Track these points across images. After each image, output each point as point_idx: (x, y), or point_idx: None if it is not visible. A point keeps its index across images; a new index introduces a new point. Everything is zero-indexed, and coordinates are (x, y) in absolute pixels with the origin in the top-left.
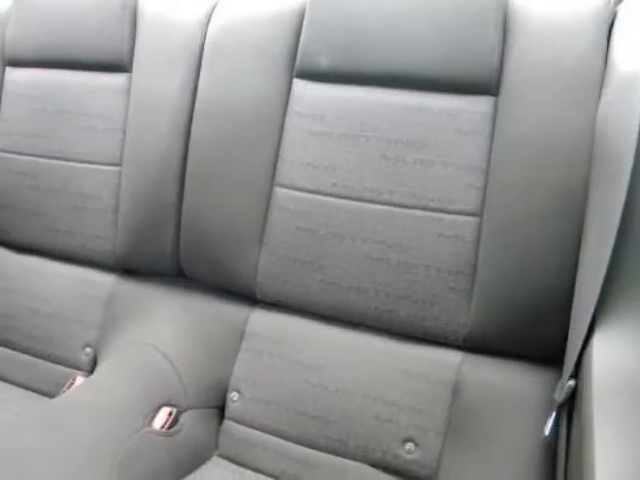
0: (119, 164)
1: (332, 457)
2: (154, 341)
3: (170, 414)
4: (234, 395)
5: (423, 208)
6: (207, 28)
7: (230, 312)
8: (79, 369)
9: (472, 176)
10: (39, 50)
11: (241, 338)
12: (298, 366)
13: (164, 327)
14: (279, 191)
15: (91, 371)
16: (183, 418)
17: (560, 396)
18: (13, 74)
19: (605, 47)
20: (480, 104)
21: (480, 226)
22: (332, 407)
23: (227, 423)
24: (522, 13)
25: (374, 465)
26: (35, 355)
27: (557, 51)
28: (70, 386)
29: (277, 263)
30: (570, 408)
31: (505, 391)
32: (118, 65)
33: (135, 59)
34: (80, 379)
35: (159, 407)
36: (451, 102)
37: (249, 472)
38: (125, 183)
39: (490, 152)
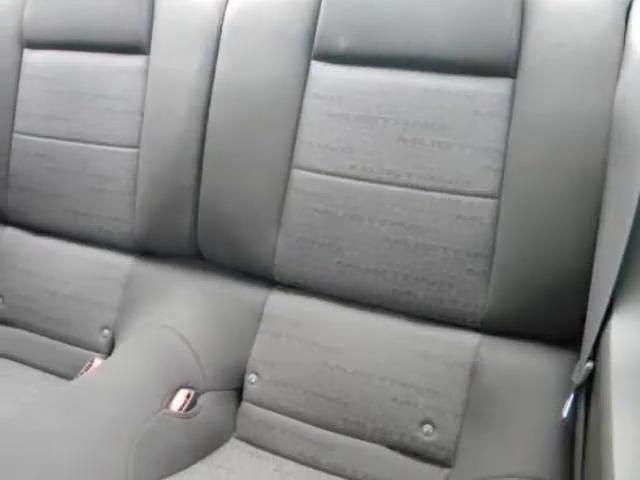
0: (137, 146)
1: (350, 439)
2: (172, 323)
3: (188, 396)
4: (252, 377)
5: (441, 190)
6: (225, 10)
7: (248, 294)
8: (97, 351)
9: (490, 158)
10: (57, 32)
11: (259, 320)
12: (316, 348)
13: (182, 309)
14: (297, 173)
15: (109, 353)
16: (201, 400)
17: (578, 378)
18: (31, 56)
19: (623, 29)
20: (498, 86)
21: (498, 208)
22: (350, 389)
23: (245, 405)
24: None
25: (392, 447)
26: (53, 337)
27: (575, 33)
28: (88, 368)
29: (295, 245)
30: (588, 390)
31: (523, 373)
32: (136, 47)
33: (153, 41)
34: (98, 361)
35: (177, 389)
36: (469, 84)
37: (267, 454)
38: (143, 165)
39: (508, 134)
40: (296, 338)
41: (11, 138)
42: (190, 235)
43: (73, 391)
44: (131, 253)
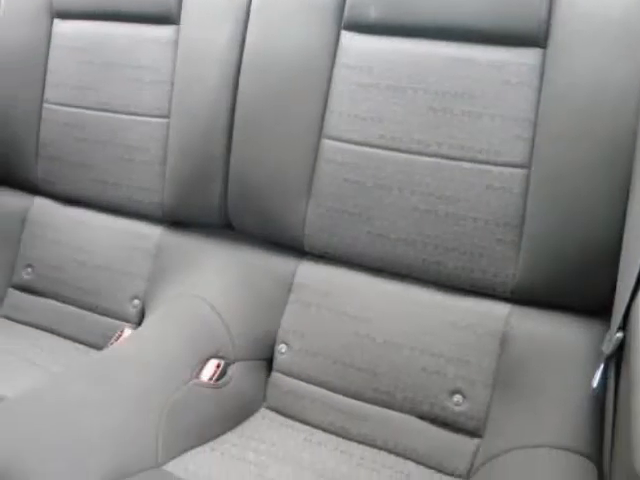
0: (167, 116)
1: (379, 409)
2: (202, 293)
3: (218, 366)
4: (282, 347)
5: (471, 160)
6: None
7: (278, 264)
8: (127, 321)
9: (520, 128)
10: (87, 2)
11: (289, 290)
12: (346, 318)
13: (212, 279)
14: (327, 143)
15: (139, 323)
16: (231, 370)
17: (608, 348)
18: (61, 26)
19: None
20: (528, 56)
21: (528, 178)
22: (379, 359)
23: (275, 375)
24: None
25: (422, 417)
26: (83, 307)
27: (605, 3)
28: (118, 338)
29: (325, 215)
30: (618, 360)
31: (553, 343)
32: (166, 17)
33: (183, 11)
34: (128, 331)
35: (207, 359)
36: (499, 54)
37: (297, 424)
38: (173, 135)
39: (538, 104)
40: (326, 308)
41: (41, 108)
42: (220, 205)
43: (103, 361)
44: (161, 223)
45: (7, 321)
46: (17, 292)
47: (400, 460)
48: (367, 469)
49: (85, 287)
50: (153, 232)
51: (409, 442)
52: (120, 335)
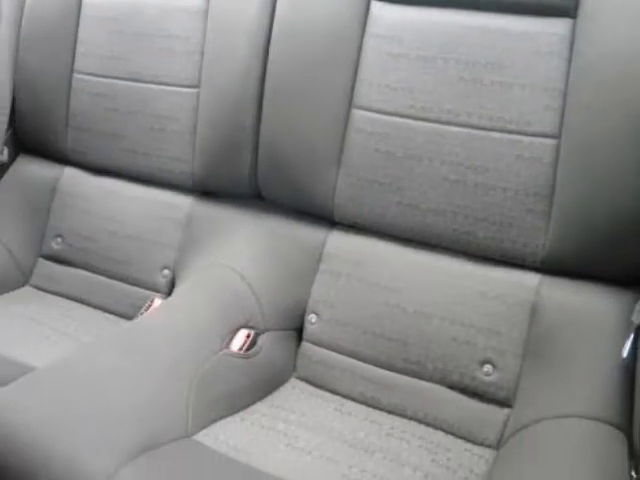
0: (197, 86)
1: (409, 379)
2: (232, 263)
3: (248, 336)
4: (312, 317)
5: (501, 130)
6: None
7: (308, 234)
8: (157, 291)
9: (550, 98)
10: None
11: (319, 260)
12: (376, 288)
13: (242, 249)
14: (357, 113)
15: (169, 293)
16: (261, 340)
17: (638, 318)
18: None
19: None
20: (558, 26)
21: (558, 148)
22: (410, 329)
23: (305, 345)
24: None
25: (452, 387)
26: (113, 277)
27: None
28: (148, 308)
29: (355, 185)
30: None
31: (583, 313)
32: None
33: None
34: (158, 301)
35: (237, 329)
36: (529, 24)
37: (327, 394)
38: (203, 105)
39: (568, 74)
40: (356, 278)
41: (71, 78)
42: (250, 175)
43: (133, 331)
44: (191, 193)
45: (37, 291)
46: (47, 262)
47: (430, 430)
48: (397, 439)
49: (115, 257)
50: (183, 202)
51: (439, 412)
52: (150, 305)
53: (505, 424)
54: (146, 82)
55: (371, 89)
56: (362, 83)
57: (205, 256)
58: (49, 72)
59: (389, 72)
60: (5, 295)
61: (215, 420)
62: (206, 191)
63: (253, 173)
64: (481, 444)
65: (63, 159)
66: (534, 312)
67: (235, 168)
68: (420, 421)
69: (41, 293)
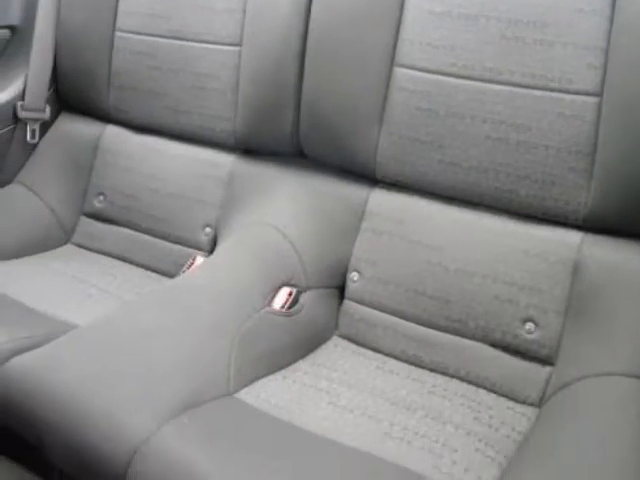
0: (239, 44)
1: (452, 337)
2: (274, 221)
3: (290, 294)
4: (354, 275)
5: (543, 88)
6: None
7: (350, 192)
8: (199, 249)
9: (592, 56)
10: None
11: (361, 218)
12: (418, 246)
13: (284, 207)
14: (399, 71)
15: (211, 251)
16: (303, 298)
17: None
18: None
19: None
20: None
21: (600, 105)
22: (451, 287)
23: (347, 303)
24: None
25: (494, 345)
26: (155, 235)
27: None
28: (190, 266)
29: (397, 143)
30: None
31: (625, 270)
32: None
33: None
34: (200, 259)
35: (279, 287)
36: None
37: (369, 352)
38: (245, 63)
39: (610, 32)
40: (398, 236)
41: (113, 36)
42: (292, 133)
43: (175, 289)
44: (233, 151)
45: (80, 249)
46: (89, 220)
47: (472, 388)
48: (439, 397)
49: (157, 215)
50: (225, 160)
51: (481, 370)
52: (192, 263)
53: (547, 382)
54: (188, 40)
55: (413, 47)
56: (404, 41)
57: (247, 214)
58: (91, 30)
59: (431, 30)
60: (47, 253)
61: (257, 378)
62: (248, 149)
63: (295, 131)
64: (523, 402)
65: (105, 117)
66: (576, 270)
67: (277, 126)
68: (462, 379)
69: (83, 251)
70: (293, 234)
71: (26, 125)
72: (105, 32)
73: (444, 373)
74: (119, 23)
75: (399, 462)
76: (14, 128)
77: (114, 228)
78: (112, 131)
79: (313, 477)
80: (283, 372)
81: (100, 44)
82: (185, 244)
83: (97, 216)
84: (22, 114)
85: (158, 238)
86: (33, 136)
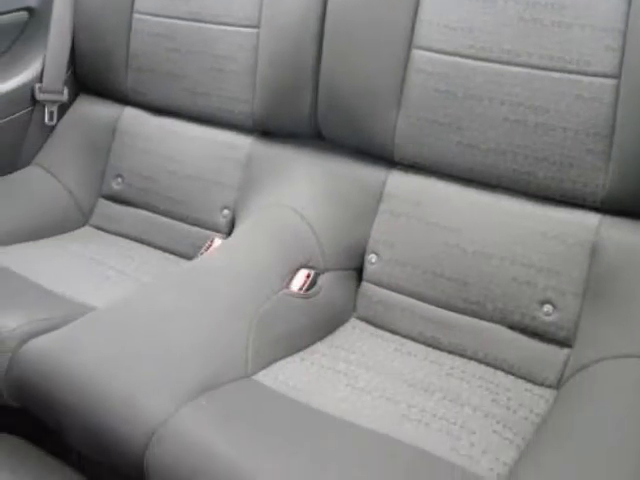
0: (257, 26)
1: (469, 319)
2: (292, 203)
3: (308, 276)
4: (372, 257)
5: (561, 70)
6: None
7: (368, 174)
8: (217, 231)
9: (610, 38)
10: None
11: (379, 200)
12: (435, 228)
13: (302, 189)
14: (417, 53)
15: (229, 233)
16: (321, 280)
17: None
18: None
19: None
20: None
21: (618, 88)
22: (470, 269)
23: (365, 285)
24: None
25: (512, 327)
26: (173, 217)
27: None
28: (208, 248)
29: (415, 125)
30: None
31: None
32: None
33: None
34: (218, 241)
35: (297, 269)
36: None
37: (387, 334)
38: (263, 45)
39: (628, 14)
40: (416, 218)
41: (131, 18)
42: (310, 114)
43: (193, 271)
44: (251, 133)
45: (98, 231)
46: (107, 202)
47: (490, 370)
48: (457, 379)
49: (175, 197)
50: (243, 142)
51: (499, 352)
52: (210, 245)
53: (565, 364)
54: (206, 22)
55: (431, 29)
56: (422, 23)
57: (265, 196)
58: (109, 12)
59: (449, 12)
60: (65, 235)
61: (275, 360)
62: (266, 131)
63: (313, 113)
64: (541, 384)
65: (123, 99)
66: (594, 252)
67: (295, 108)
68: (480, 361)
69: (101, 233)
70: (311, 216)
71: (44, 107)
72: (123, 14)
73: (462, 355)
74: (137, 5)
75: (417, 444)
76: (32, 110)
77: (132, 210)
78: (130, 113)
79: (330, 459)
80: (301, 354)
81: (118, 26)
82: (203, 226)
83: (115, 198)
84: (40, 96)
85: (176, 220)
86: (51, 118)
